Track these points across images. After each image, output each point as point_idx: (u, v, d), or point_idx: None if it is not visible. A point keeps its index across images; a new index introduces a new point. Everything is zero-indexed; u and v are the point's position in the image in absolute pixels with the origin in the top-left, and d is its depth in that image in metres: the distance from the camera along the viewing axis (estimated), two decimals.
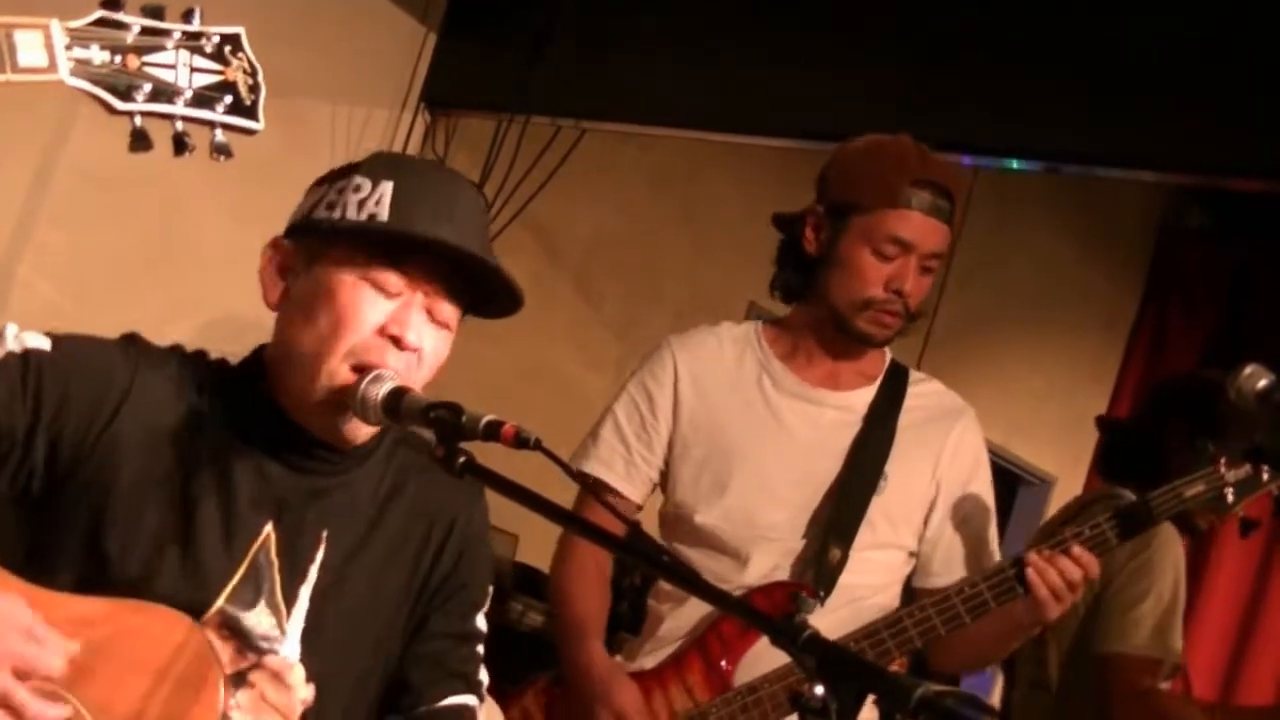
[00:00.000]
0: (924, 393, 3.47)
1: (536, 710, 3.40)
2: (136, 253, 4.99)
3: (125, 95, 1.98)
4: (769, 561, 3.30)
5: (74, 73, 1.92)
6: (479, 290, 2.34)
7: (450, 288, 2.30)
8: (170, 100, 2.03)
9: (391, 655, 2.43)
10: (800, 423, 3.37)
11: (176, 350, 2.35)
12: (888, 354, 3.47)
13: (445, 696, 2.46)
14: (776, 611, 3.19)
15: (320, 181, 2.33)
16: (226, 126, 2.09)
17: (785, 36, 4.97)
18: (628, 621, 5.17)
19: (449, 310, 2.30)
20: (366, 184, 2.25)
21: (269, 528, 2.27)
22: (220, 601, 2.22)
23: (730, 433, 3.37)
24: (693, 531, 3.35)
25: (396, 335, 2.24)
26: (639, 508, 3.48)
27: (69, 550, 2.17)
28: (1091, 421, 8.14)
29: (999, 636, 3.36)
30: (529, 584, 5.55)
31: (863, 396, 3.40)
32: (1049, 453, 8.25)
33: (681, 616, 3.34)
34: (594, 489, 3.34)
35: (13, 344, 2.16)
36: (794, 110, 4.95)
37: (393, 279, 2.25)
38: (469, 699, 2.48)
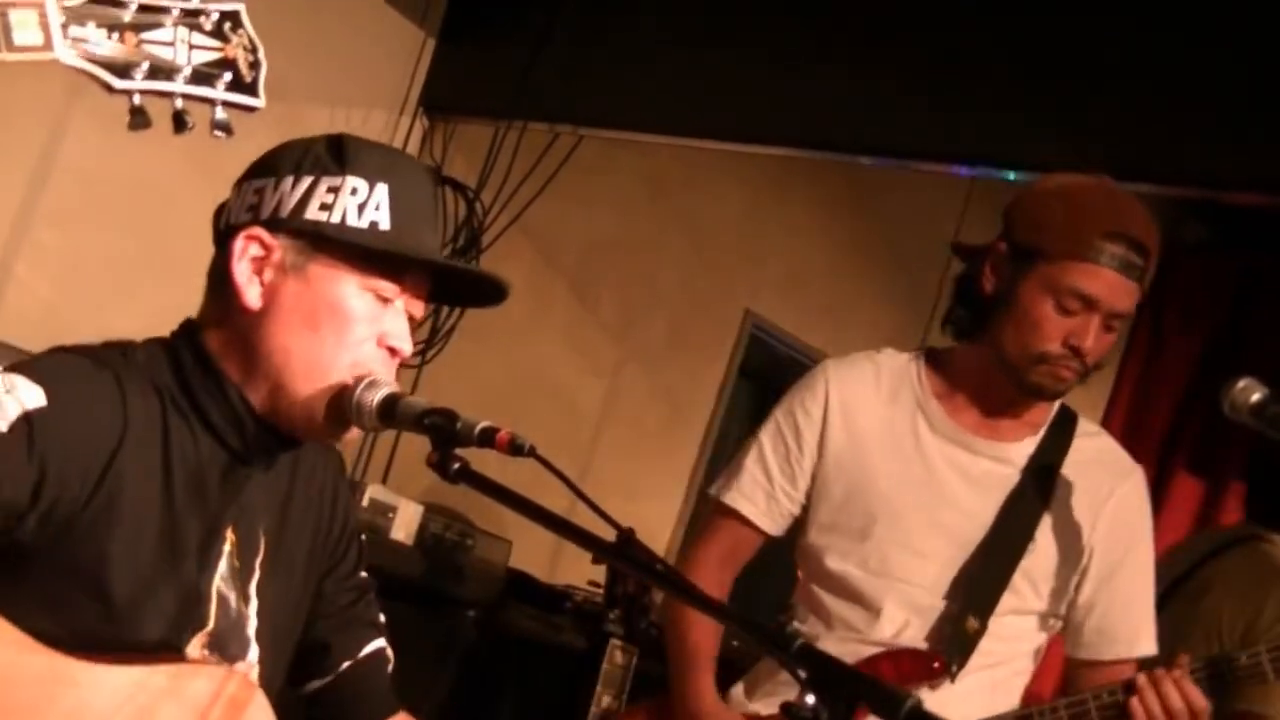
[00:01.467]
0: (1091, 447, 3.28)
1: None
2: (133, 253, 5.00)
3: (123, 73, 1.94)
4: (900, 616, 3.14)
5: (70, 51, 1.89)
6: (454, 285, 2.37)
7: (428, 288, 2.32)
8: (169, 78, 1.98)
9: (300, 626, 2.45)
10: (952, 471, 3.19)
11: (124, 352, 2.25)
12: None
13: (364, 645, 2.52)
14: (903, 680, 3.07)
15: (293, 169, 2.24)
16: (227, 104, 2.05)
17: (783, 45, 4.97)
18: (625, 631, 5.17)
19: (422, 308, 2.32)
20: (362, 186, 2.21)
21: (230, 531, 2.26)
22: (211, 622, 2.21)
23: (875, 475, 3.20)
24: (827, 576, 3.21)
25: (396, 348, 2.25)
26: (768, 537, 3.33)
27: (64, 594, 2.09)
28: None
29: None
30: (522, 590, 5.55)
31: (1023, 448, 3.20)
32: None
33: None
34: (730, 520, 3.31)
35: (10, 405, 2.02)
36: (792, 119, 4.95)
37: (391, 288, 2.24)
38: (381, 641, 2.55)
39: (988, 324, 3.14)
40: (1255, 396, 2.94)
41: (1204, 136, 4.19)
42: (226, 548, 2.25)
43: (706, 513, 3.40)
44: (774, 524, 3.30)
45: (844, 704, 1.69)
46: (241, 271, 2.23)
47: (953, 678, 3.11)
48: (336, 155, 2.24)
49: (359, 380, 2.21)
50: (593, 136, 5.65)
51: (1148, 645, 3.25)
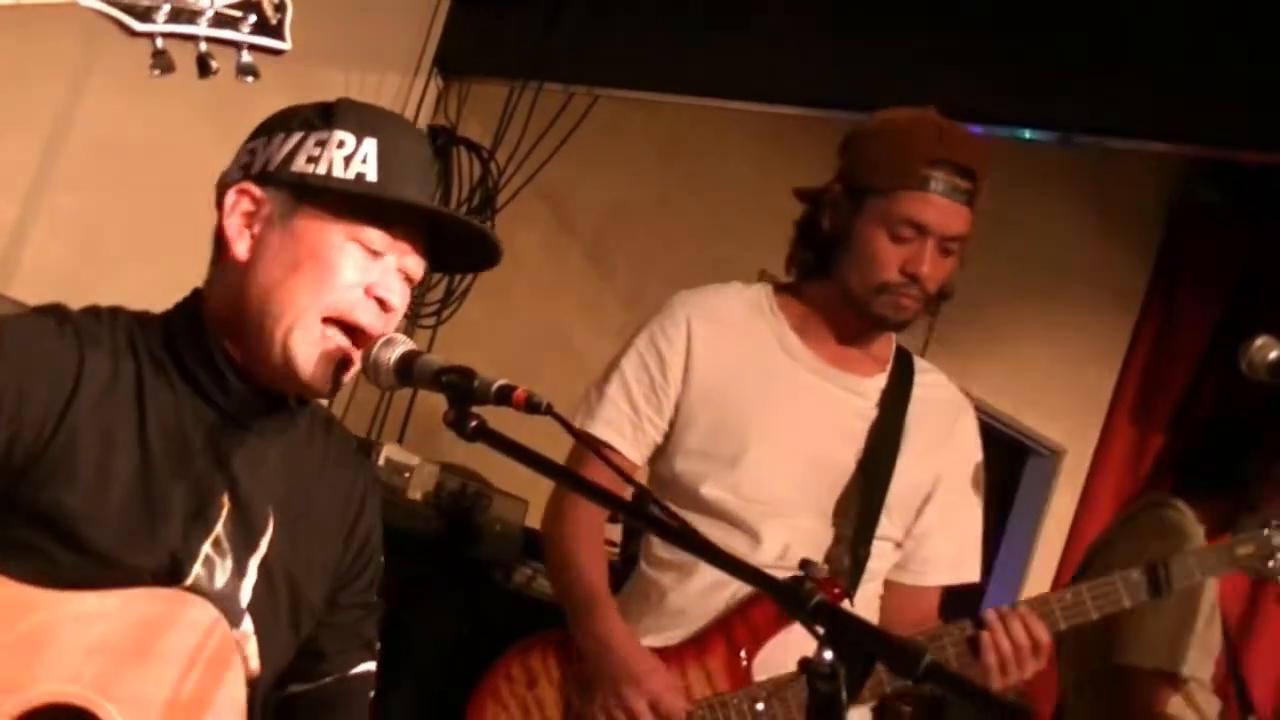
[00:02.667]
0: (929, 383, 3.41)
1: (544, 674, 3.28)
2: (149, 217, 5.00)
3: (144, 16, 1.91)
4: (780, 540, 3.22)
5: None
6: (450, 246, 2.36)
7: (423, 247, 2.32)
8: (191, 21, 1.96)
9: (312, 624, 2.44)
10: (814, 399, 3.28)
11: (100, 314, 2.27)
12: (893, 338, 3.40)
13: (356, 664, 2.52)
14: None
15: (284, 127, 2.27)
16: (252, 47, 2.02)
17: (798, 4, 4.96)
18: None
19: (419, 267, 2.32)
20: (350, 140, 2.23)
21: (226, 498, 2.26)
22: (190, 579, 2.20)
23: (742, 402, 3.27)
24: (697, 501, 3.25)
25: (383, 298, 2.24)
26: (637, 468, 3.34)
27: (33, 542, 2.11)
28: (1101, 395, 8.17)
29: None
30: (539, 549, 5.55)
31: (876, 384, 3.33)
32: (1058, 425, 8.26)
33: (690, 591, 3.25)
34: (603, 453, 3.19)
35: None
36: (806, 79, 4.94)
37: (378, 238, 2.25)
38: (372, 665, 2.55)
39: (830, 263, 3.27)
40: (1274, 354, 2.95)
41: (1219, 95, 4.18)
42: (223, 514, 2.25)
43: (572, 449, 3.32)
44: (640, 454, 3.33)
45: (861, 661, 1.70)
46: (232, 225, 2.26)
47: (851, 602, 3.21)
48: (325, 113, 2.27)
49: (353, 334, 2.22)
50: (608, 97, 5.65)
51: (970, 571, 3.42)
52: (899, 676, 1.69)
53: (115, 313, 2.29)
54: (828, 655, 1.70)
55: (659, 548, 3.35)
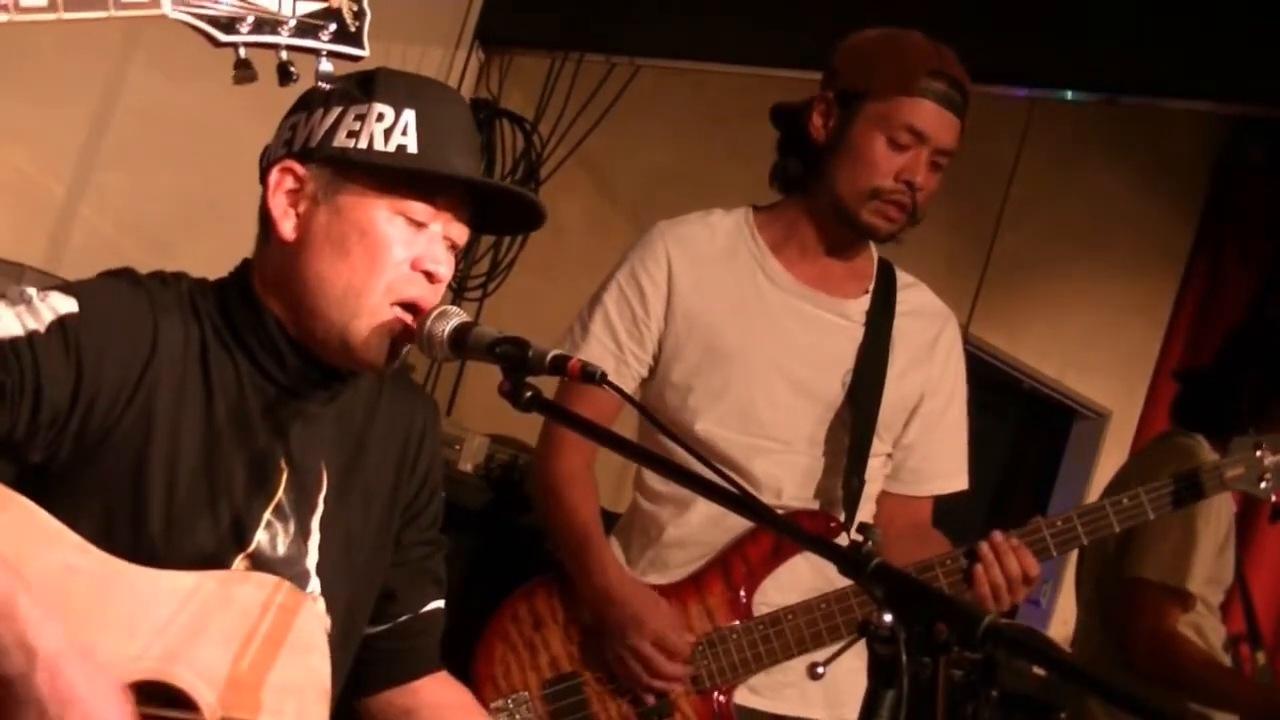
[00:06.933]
0: (913, 298, 3.40)
1: (549, 616, 3.31)
2: (195, 193, 5.02)
3: (228, 28, 1.94)
4: (773, 474, 3.24)
5: (176, 6, 1.89)
6: (493, 210, 2.37)
7: (467, 213, 2.32)
8: (274, 30, 1.98)
9: (384, 568, 2.48)
10: (798, 325, 3.28)
11: (166, 279, 2.29)
12: (875, 251, 3.40)
13: (427, 602, 2.57)
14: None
15: (323, 100, 2.27)
16: (332, 54, 2.04)
17: None
18: None
19: (463, 234, 2.33)
20: (389, 112, 2.24)
21: (283, 463, 2.28)
22: (252, 545, 2.23)
23: (726, 333, 3.27)
24: (691, 439, 3.23)
25: (430, 271, 2.26)
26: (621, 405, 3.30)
27: (103, 510, 2.14)
28: (1147, 355, 8.14)
29: None
30: None
31: (860, 304, 3.32)
32: (1104, 386, 8.22)
33: (687, 525, 3.27)
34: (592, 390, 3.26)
35: (44, 311, 2.10)
36: None
37: (421, 209, 2.26)
38: (441, 602, 2.59)
39: (819, 172, 3.27)
40: None
41: (1262, 53, 4.16)
42: (283, 481, 2.28)
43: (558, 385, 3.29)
44: (625, 387, 3.27)
45: (921, 623, 1.70)
46: (277, 204, 2.27)
47: (848, 534, 3.20)
48: (364, 85, 2.27)
49: (411, 310, 2.23)
50: (649, 67, 5.64)
51: (959, 481, 3.45)
52: (959, 639, 1.68)
53: (178, 278, 2.31)
54: (887, 618, 1.70)
55: (653, 480, 3.36)
